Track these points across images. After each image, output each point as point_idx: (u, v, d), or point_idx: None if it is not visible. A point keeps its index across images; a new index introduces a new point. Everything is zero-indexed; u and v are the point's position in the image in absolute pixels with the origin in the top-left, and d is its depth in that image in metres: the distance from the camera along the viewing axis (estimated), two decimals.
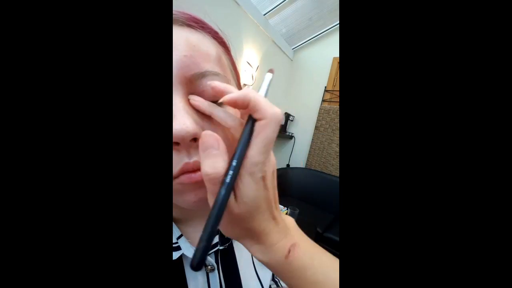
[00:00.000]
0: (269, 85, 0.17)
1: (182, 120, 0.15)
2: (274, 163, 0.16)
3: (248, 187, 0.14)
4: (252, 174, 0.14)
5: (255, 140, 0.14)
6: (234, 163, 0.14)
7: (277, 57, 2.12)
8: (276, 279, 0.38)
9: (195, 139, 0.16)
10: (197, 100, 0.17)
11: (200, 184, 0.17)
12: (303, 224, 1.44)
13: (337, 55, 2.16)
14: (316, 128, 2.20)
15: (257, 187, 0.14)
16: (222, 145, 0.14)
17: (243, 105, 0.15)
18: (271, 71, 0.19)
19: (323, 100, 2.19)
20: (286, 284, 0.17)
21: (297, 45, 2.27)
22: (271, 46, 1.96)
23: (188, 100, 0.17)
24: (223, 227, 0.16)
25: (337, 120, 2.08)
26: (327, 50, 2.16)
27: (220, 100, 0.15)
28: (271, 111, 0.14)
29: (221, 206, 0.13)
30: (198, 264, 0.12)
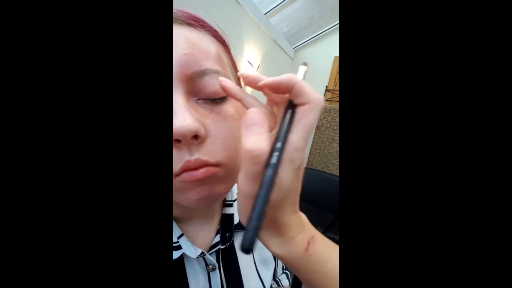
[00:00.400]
0: (304, 77, 0.16)
1: (183, 117, 0.15)
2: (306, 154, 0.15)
3: (286, 174, 0.13)
4: (292, 161, 0.13)
5: (297, 125, 0.14)
6: (278, 145, 0.13)
7: (278, 56, 2.11)
8: (277, 279, 0.38)
9: (196, 137, 0.16)
10: (228, 83, 0.16)
11: (201, 182, 0.17)
12: None
13: (338, 54, 2.15)
14: (317, 127, 2.20)
15: (293, 175, 0.14)
16: (266, 125, 0.14)
17: (286, 89, 0.14)
18: (305, 64, 0.18)
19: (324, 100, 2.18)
20: (306, 279, 0.17)
21: (298, 44, 2.27)
22: (272, 45, 1.96)
23: (189, 98, 0.17)
24: (247, 215, 0.14)
25: (338, 119, 2.07)
26: (328, 49, 2.15)
27: (262, 82, 0.15)
28: (315, 96, 0.14)
29: (269, 186, 0.12)
30: (250, 244, 0.11)
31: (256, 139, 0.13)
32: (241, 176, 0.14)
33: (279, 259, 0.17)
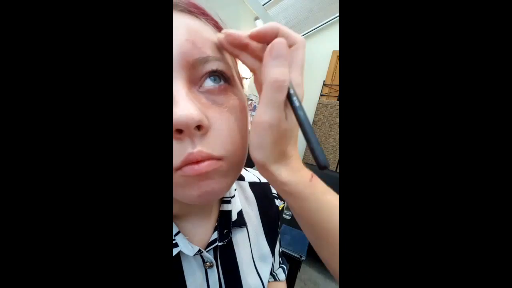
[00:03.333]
0: None
1: (186, 106, 0.14)
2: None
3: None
4: (295, 95, 0.16)
5: (293, 65, 0.16)
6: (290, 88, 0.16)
7: None
8: (274, 273, 0.38)
9: (199, 127, 0.15)
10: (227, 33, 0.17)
11: (204, 177, 0.16)
12: None
13: (337, 48, 2.14)
14: (314, 122, 2.20)
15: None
16: (288, 58, 0.16)
17: (272, 36, 0.16)
18: (258, 17, 0.22)
19: (321, 95, 2.18)
20: (311, 208, 0.18)
21: None
22: None
23: (191, 87, 0.16)
24: (264, 148, 0.16)
25: (334, 114, 2.08)
26: (327, 43, 2.13)
27: (248, 34, 0.17)
28: (298, 36, 0.17)
29: (308, 121, 0.15)
30: (325, 161, 0.14)
31: (282, 70, 0.15)
32: (262, 108, 0.15)
33: (287, 189, 0.18)
